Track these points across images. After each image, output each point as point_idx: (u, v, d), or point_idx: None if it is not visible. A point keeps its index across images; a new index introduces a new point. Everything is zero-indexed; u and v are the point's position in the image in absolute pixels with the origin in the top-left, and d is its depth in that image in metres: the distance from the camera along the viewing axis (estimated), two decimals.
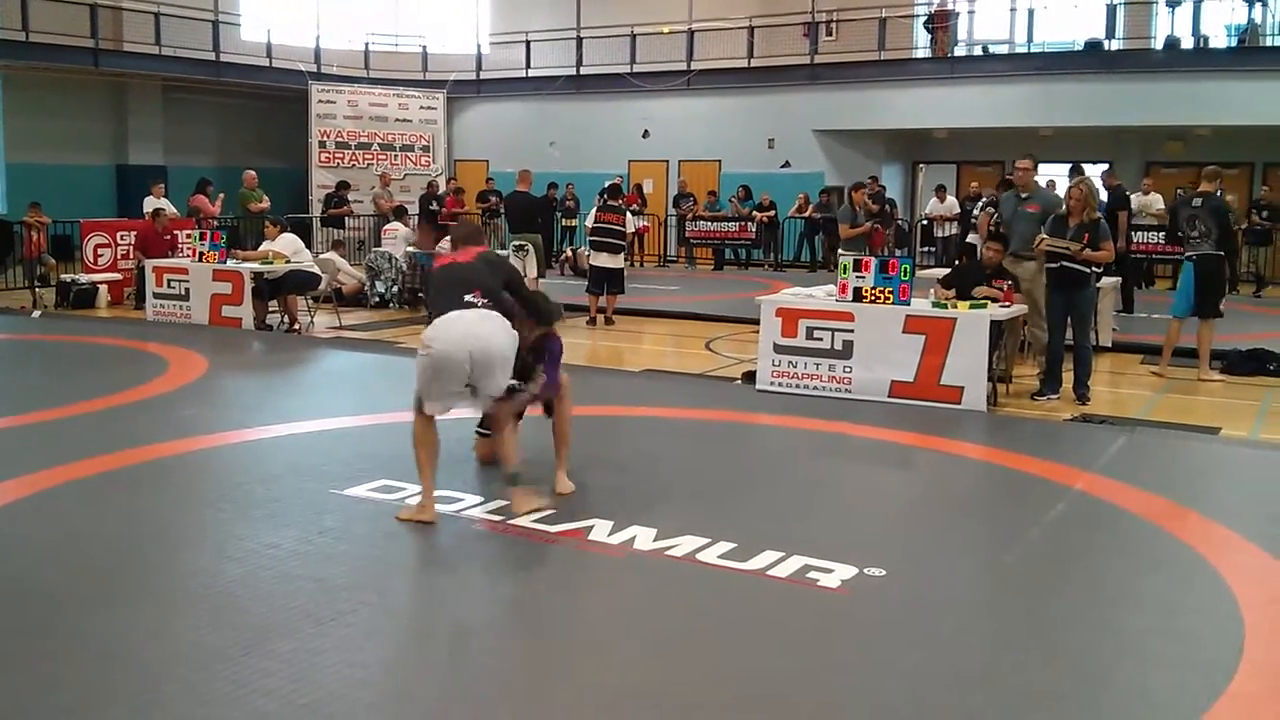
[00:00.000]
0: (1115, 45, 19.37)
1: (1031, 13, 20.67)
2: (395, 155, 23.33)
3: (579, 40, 23.15)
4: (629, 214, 15.03)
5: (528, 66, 23.92)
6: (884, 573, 4.49)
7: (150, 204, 14.98)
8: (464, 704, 3.47)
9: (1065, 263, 8.13)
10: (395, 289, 13.96)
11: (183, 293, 11.96)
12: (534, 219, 13.93)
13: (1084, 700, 3.52)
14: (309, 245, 14.06)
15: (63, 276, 14.27)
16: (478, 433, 6.10)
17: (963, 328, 7.79)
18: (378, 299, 13.92)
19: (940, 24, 20.90)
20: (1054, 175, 18.96)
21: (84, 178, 20.83)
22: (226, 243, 12.26)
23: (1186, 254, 9.44)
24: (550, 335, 5.71)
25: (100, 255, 14.62)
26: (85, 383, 8.67)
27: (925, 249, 19.36)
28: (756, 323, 8.75)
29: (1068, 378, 8.37)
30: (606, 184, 13.39)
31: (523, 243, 12.88)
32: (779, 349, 8.37)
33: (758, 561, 4.57)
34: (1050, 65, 19.46)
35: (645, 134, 22.62)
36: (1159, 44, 19.43)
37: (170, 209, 15.00)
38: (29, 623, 3.94)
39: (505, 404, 5.24)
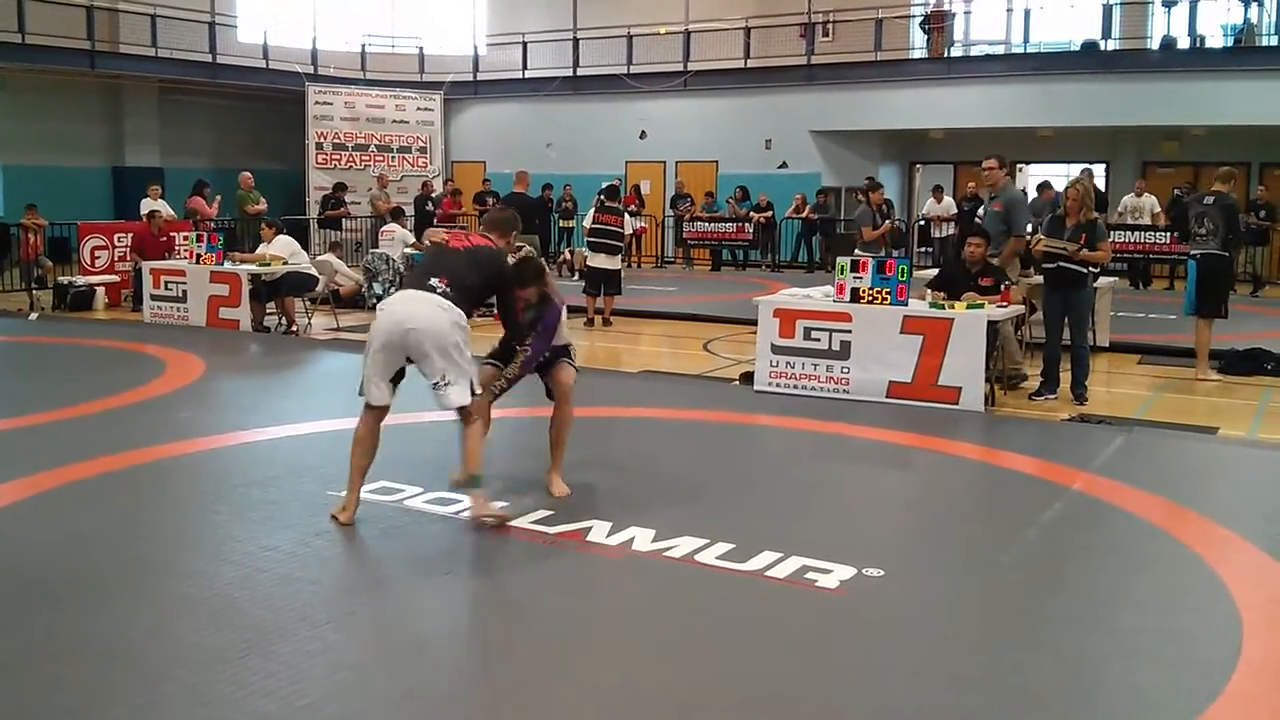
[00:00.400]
0: (1112, 45, 19.40)
1: (1028, 13, 20.70)
2: (392, 157, 23.33)
3: (575, 41, 23.16)
4: (627, 215, 15.04)
5: (524, 68, 23.93)
6: (882, 573, 4.49)
7: (147, 206, 14.97)
8: (463, 705, 3.48)
9: (1062, 263, 8.14)
10: (393, 290, 13.95)
11: (180, 295, 11.96)
12: (531, 220, 13.92)
13: (1081, 700, 3.52)
14: (305, 247, 14.05)
15: (60, 279, 14.25)
16: (488, 361, 5.73)
17: (960, 328, 7.79)
18: (375, 300, 13.90)
19: (936, 24, 20.92)
20: (1052, 176, 19.03)
21: (80, 180, 20.81)
22: (224, 245, 12.26)
23: (1191, 252, 9.47)
24: (549, 302, 5.52)
25: (97, 257, 14.62)
26: (83, 385, 8.67)
27: (922, 249, 19.38)
28: (754, 323, 8.76)
29: (1065, 378, 8.37)
30: (604, 185, 13.40)
31: (520, 244, 12.86)
32: (776, 350, 8.37)
33: (756, 562, 4.58)
34: (1047, 65, 19.49)
35: (642, 135, 22.63)
36: (1155, 44, 19.46)
37: (167, 211, 15.00)
38: (29, 624, 3.93)
39: (480, 397, 5.12)
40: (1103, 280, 10.04)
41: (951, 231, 18.20)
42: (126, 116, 22.08)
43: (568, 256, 18.73)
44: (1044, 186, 16.63)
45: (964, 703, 3.47)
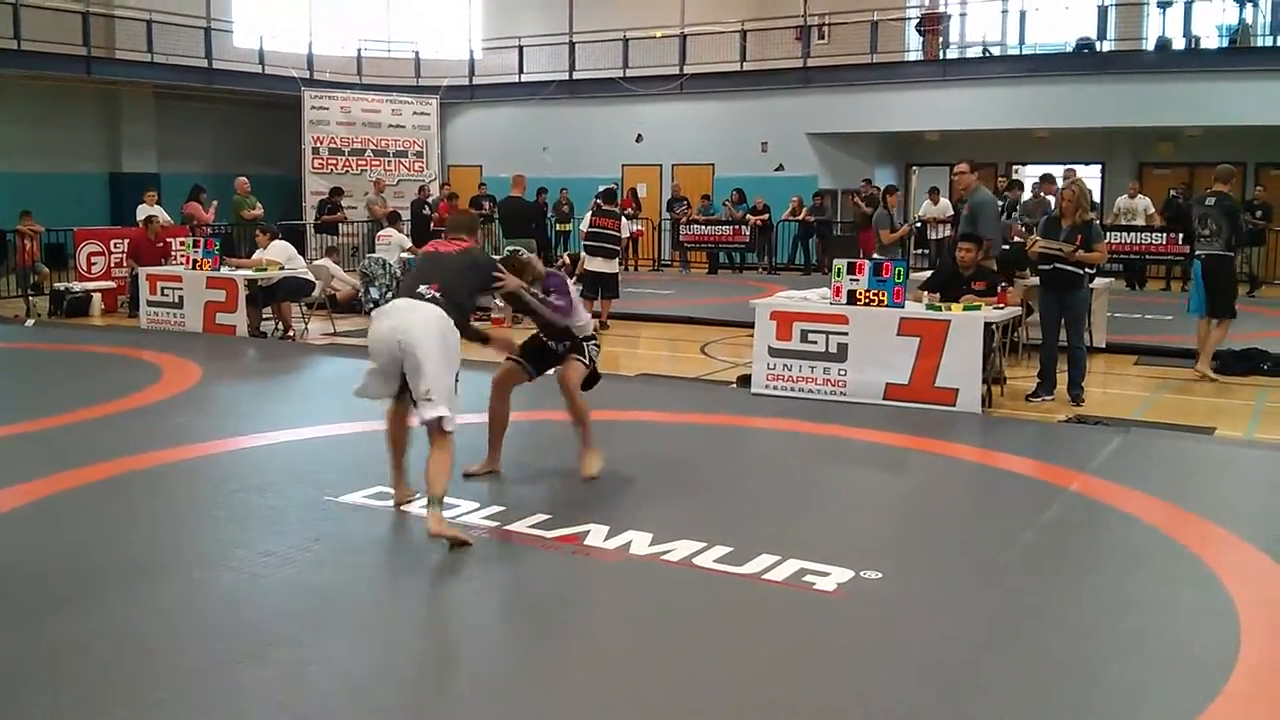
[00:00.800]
0: (1107, 46, 19.43)
1: (1023, 15, 20.72)
2: (389, 161, 23.33)
3: (571, 45, 23.17)
4: (623, 218, 15.03)
5: (520, 71, 23.92)
6: (880, 575, 4.49)
7: (143, 211, 14.96)
8: (461, 710, 3.47)
9: (1059, 264, 8.14)
10: (389, 295, 13.93)
11: (176, 300, 11.95)
12: (528, 224, 13.93)
13: (1079, 701, 3.52)
14: (302, 252, 14.04)
15: (56, 285, 14.25)
16: (510, 357, 6.08)
17: (957, 330, 7.80)
18: (372, 305, 13.88)
19: (932, 27, 20.95)
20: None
21: (77, 186, 20.78)
22: (220, 250, 12.25)
23: (1196, 252, 9.50)
24: (549, 278, 5.82)
25: (94, 263, 14.61)
26: (79, 391, 8.66)
27: (919, 251, 19.37)
28: (751, 326, 8.76)
29: (1062, 379, 8.38)
30: (601, 189, 13.39)
31: (517, 248, 12.86)
32: (774, 352, 8.37)
33: (754, 565, 4.57)
34: (1042, 67, 19.51)
35: (639, 138, 22.63)
36: (1150, 45, 19.48)
37: (164, 216, 14.98)
38: (25, 631, 3.93)
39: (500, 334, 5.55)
40: (1099, 281, 10.05)
41: (948, 234, 18.22)
42: (123, 122, 22.05)
43: (566, 261, 18.71)
44: (1046, 179, 16.60)
45: (962, 705, 3.47)
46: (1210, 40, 19.58)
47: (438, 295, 5.00)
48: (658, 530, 4.99)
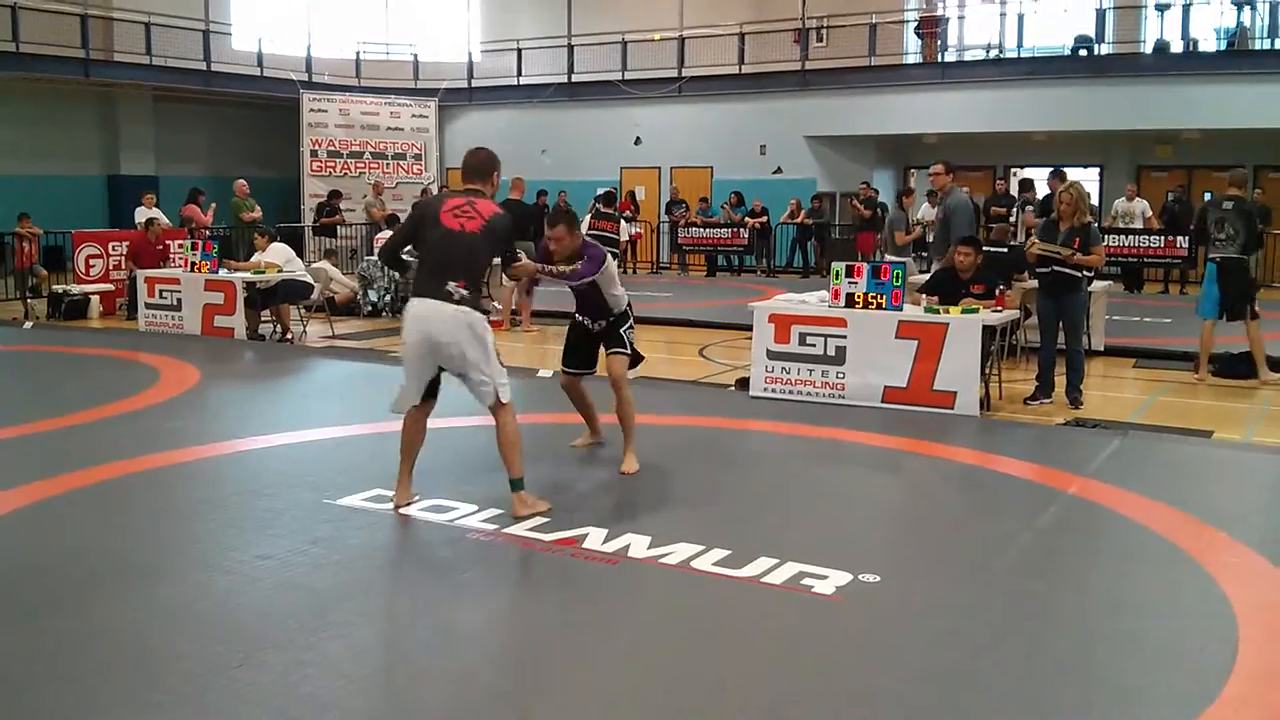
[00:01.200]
0: (1105, 49, 19.44)
1: (1021, 18, 20.74)
2: (387, 164, 23.34)
3: (570, 48, 23.19)
4: (622, 221, 15.04)
5: (519, 74, 23.95)
6: (878, 578, 4.49)
7: (142, 214, 14.98)
8: (459, 713, 3.47)
9: (1056, 267, 8.15)
10: (388, 298, 13.95)
11: (175, 303, 11.95)
12: (527, 227, 13.89)
13: (1077, 703, 3.52)
14: (301, 254, 14.04)
15: (54, 287, 14.25)
16: (564, 371, 6.52)
17: (955, 333, 7.80)
18: (370, 308, 13.91)
19: (930, 29, 20.97)
20: (1040, 180, 19.00)
21: (75, 188, 20.80)
22: (219, 252, 12.26)
23: (1210, 255, 9.49)
24: (585, 252, 6.03)
25: (92, 266, 14.61)
26: (77, 394, 8.66)
27: (918, 254, 19.37)
28: (749, 329, 8.76)
29: (1060, 382, 8.38)
30: (600, 191, 13.40)
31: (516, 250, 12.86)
32: (772, 355, 8.37)
33: (752, 569, 4.57)
34: (1040, 70, 19.53)
35: (637, 141, 22.65)
36: (1148, 48, 19.50)
37: (162, 219, 14.97)
38: (23, 631, 3.92)
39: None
40: (1097, 284, 10.05)
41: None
42: (121, 125, 22.07)
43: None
44: (1055, 174, 16.58)
45: (960, 707, 3.47)
46: (1208, 43, 19.59)
47: (465, 293, 5.06)
48: (656, 533, 4.99)
